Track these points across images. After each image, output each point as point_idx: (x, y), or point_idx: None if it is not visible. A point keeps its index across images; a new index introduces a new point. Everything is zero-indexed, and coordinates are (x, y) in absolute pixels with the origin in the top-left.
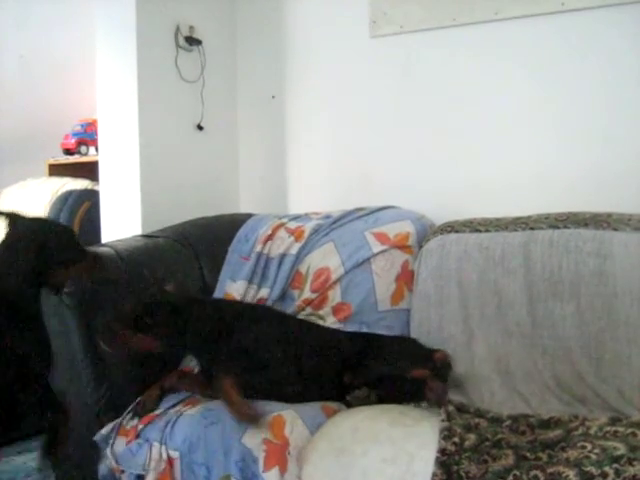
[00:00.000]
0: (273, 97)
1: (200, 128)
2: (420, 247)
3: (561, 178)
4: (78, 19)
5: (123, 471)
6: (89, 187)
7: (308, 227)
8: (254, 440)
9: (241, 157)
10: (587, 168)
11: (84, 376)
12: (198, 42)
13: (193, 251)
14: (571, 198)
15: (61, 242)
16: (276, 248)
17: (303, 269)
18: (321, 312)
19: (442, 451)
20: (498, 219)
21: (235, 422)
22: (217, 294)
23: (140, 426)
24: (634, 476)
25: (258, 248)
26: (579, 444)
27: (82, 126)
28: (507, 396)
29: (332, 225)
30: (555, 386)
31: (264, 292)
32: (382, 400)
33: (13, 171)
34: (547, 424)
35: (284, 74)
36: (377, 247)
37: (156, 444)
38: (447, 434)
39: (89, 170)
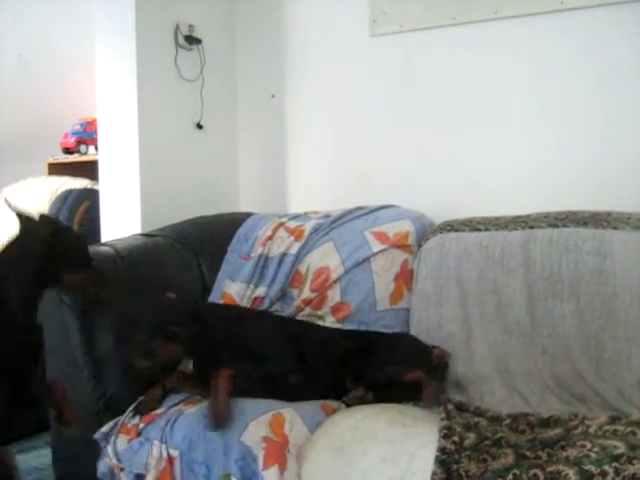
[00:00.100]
0: (273, 96)
1: (200, 127)
2: (420, 246)
3: (560, 177)
4: (78, 18)
5: (123, 469)
6: (89, 186)
7: (308, 226)
8: (254, 438)
9: (241, 156)
10: (586, 167)
11: (84, 375)
12: (198, 41)
13: (192, 250)
14: (571, 197)
15: (72, 246)
16: (276, 248)
17: (303, 269)
18: (320, 312)
19: (442, 450)
20: (498, 218)
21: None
22: (215, 293)
23: (141, 425)
24: (633, 475)
25: (259, 250)
26: (579, 443)
27: (82, 125)
28: (507, 395)
29: (332, 224)
30: (555, 385)
31: (261, 291)
32: (379, 400)
33: (13, 170)
34: (547, 423)
35: (284, 73)
36: (377, 246)
37: (156, 443)
38: (447, 433)
39: (89, 169)
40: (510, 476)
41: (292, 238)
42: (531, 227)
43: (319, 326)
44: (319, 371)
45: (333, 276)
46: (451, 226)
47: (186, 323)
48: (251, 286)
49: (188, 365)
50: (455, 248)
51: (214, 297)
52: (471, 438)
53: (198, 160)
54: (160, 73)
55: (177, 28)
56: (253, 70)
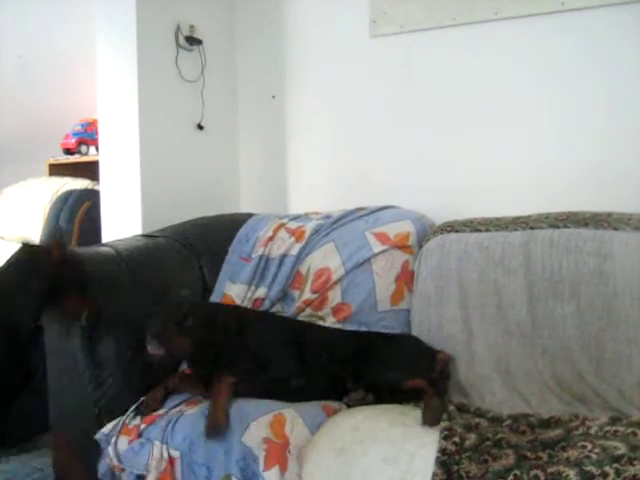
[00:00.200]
0: (273, 97)
1: (200, 128)
2: (420, 247)
3: (561, 178)
4: (78, 19)
5: (123, 470)
6: (89, 187)
7: (309, 227)
8: (254, 439)
9: (241, 157)
10: (587, 168)
11: (84, 376)
12: (198, 42)
13: (193, 251)
14: (571, 198)
15: (77, 273)
16: (277, 249)
17: (303, 269)
18: (321, 313)
19: (442, 451)
20: (498, 219)
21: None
22: (216, 294)
23: (143, 425)
24: (634, 476)
25: (260, 251)
26: (579, 444)
27: (82, 126)
28: (507, 396)
29: (332, 225)
30: (555, 386)
31: (261, 292)
32: (380, 402)
33: (13, 171)
34: (547, 424)
35: (284, 74)
36: (378, 247)
37: (157, 443)
38: (447, 434)
39: (89, 170)
40: (511, 477)
41: (293, 239)
42: (532, 228)
43: (322, 327)
44: (321, 372)
45: (334, 277)
46: (452, 227)
47: (202, 320)
48: (252, 287)
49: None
50: (456, 249)
51: (215, 298)
52: (472, 439)
53: (199, 161)
54: (161, 74)
55: (178, 29)
56: (254, 71)
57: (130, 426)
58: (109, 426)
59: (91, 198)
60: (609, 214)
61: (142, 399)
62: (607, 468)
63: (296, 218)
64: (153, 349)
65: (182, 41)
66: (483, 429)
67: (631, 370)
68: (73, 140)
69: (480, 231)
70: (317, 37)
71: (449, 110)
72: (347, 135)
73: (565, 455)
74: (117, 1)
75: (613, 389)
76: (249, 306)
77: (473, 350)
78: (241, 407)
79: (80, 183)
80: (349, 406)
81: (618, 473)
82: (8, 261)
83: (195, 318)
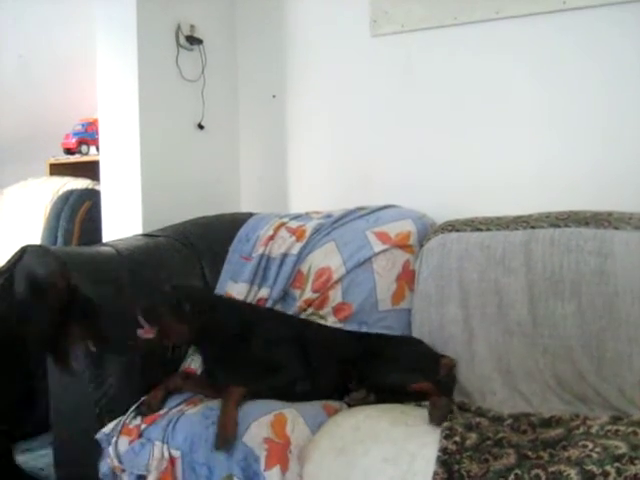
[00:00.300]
0: (274, 96)
1: (201, 127)
2: (421, 246)
3: (562, 177)
4: (78, 18)
5: (124, 470)
6: (90, 187)
7: (309, 227)
8: (255, 439)
9: (242, 156)
10: (588, 167)
11: (84, 376)
12: (199, 41)
13: (194, 250)
14: (572, 197)
15: (80, 298)
16: (277, 248)
17: (304, 269)
18: (322, 312)
19: (443, 450)
20: (499, 218)
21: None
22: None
23: (143, 425)
24: (635, 475)
25: (260, 250)
26: (580, 443)
27: (83, 126)
28: (508, 395)
29: (333, 224)
30: (556, 385)
31: (264, 292)
32: (381, 402)
33: (14, 171)
34: (548, 423)
35: (285, 73)
36: (378, 246)
37: (158, 443)
38: (448, 433)
39: (90, 170)
40: (512, 476)
41: (293, 238)
42: (532, 227)
43: (325, 327)
44: (324, 373)
45: (335, 276)
46: (452, 226)
47: (201, 307)
48: (254, 287)
49: (191, 364)
50: (456, 248)
51: None
52: (473, 438)
53: (199, 160)
54: (161, 73)
55: (178, 28)
56: (254, 70)
57: (130, 426)
58: (110, 426)
59: (92, 198)
60: (610, 213)
61: (143, 399)
62: (608, 467)
63: (297, 217)
64: (144, 330)
65: (182, 41)
66: (484, 428)
67: (632, 369)
68: (74, 140)
69: (481, 230)
70: (318, 37)
71: (450, 109)
72: (348, 134)
73: (566, 454)
74: (117, 1)
75: (614, 388)
76: None
77: (474, 350)
78: (242, 407)
79: (81, 183)
80: (350, 406)
81: (619, 472)
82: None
83: (194, 304)
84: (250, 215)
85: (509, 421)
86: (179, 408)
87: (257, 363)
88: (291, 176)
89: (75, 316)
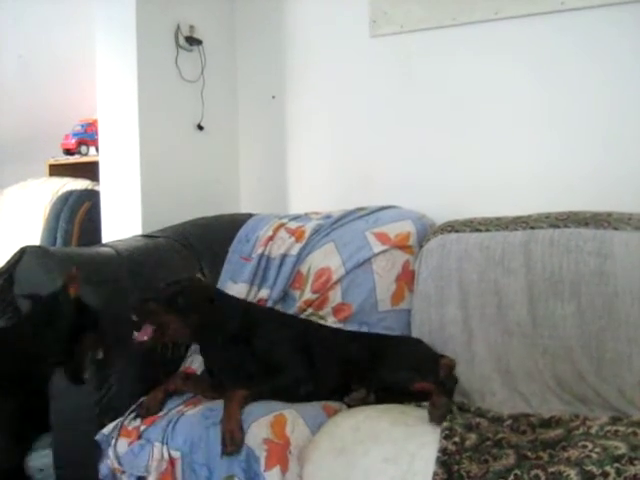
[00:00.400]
0: (273, 97)
1: (200, 128)
2: (421, 247)
3: (561, 177)
4: (78, 19)
5: (124, 471)
6: (89, 187)
7: (309, 227)
8: (255, 440)
9: (241, 157)
10: (587, 167)
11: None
12: (198, 42)
13: (193, 251)
14: (571, 197)
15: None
16: (277, 249)
17: (304, 269)
18: (321, 313)
19: (443, 451)
20: (498, 218)
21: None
22: None
23: (142, 427)
24: (635, 475)
25: (259, 250)
26: (580, 443)
27: (82, 126)
28: (508, 396)
29: (333, 225)
30: (556, 385)
31: (264, 293)
32: (381, 402)
33: (13, 171)
34: (548, 423)
35: (284, 74)
36: (378, 247)
37: (157, 444)
38: (448, 434)
39: (89, 170)
40: (511, 477)
41: (293, 239)
42: (532, 228)
43: (326, 327)
44: (326, 373)
45: (334, 277)
46: (452, 227)
47: (199, 301)
48: (254, 287)
49: (192, 364)
50: (456, 249)
51: None
52: (472, 439)
53: (199, 161)
54: (161, 74)
55: (178, 29)
56: (254, 71)
57: (129, 428)
58: (109, 427)
59: (91, 198)
60: (609, 214)
61: (141, 400)
62: (608, 468)
63: (296, 218)
64: (139, 334)
65: (182, 41)
66: (484, 429)
67: (632, 370)
68: (73, 140)
69: (480, 231)
70: (317, 37)
71: (449, 110)
72: (347, 135)
73: (566, 455)
74: (117, 1)
75: (614, 389)
76: None
77: (473, 350)
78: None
79: (80, 183)
80: (349, 406)
81: (619, 473)
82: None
83: (190, 297)
84: (250, 216)
85: (509, 422)
86: (179, 409)
87: (259, 364)
88: (290, 177)
89: (85, 327)
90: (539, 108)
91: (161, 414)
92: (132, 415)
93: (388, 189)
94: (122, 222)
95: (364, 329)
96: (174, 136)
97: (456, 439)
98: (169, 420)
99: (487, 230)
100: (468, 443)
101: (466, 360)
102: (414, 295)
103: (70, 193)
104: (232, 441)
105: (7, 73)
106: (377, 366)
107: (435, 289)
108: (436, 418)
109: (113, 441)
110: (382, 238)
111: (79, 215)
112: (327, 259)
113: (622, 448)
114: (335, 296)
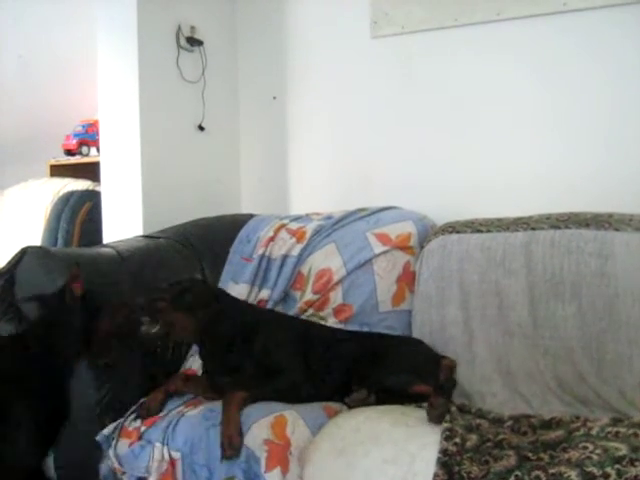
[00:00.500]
0: (274, 98)
1: (201, 129)
2: (421, 248)
3: (562, 178)
4: (78, 19)
5: (125, 472)
6: (90, 188)
7: (309, 228)
8: (256, 441)
9: (242, 158)
10: (588, 168)
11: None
12: (199, 43)
13: (194, 252)
14: (572, 198)
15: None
16: (278, 249)
17: (305, 270)
18: (322, 313)
19: (444, 452)
20: (499, 219)
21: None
22: None
23: (143, 428)
24: (636, 477)
25: (260, 251)
26: (581, 445)
27: (83, 127)
28: (508, 397)
29: (334, 226)
30: (556, 387)
31: (265, 293)
32: (381, 403)
33: (14, 172)
34: (549, 425)
35: (285, 75)
36: (379, 248)
37: (158, 445)
38: (448, 435)
39: (90, 171)
40: (512, 478)
41: (294, 239)
42: (533, 228)
43: (327, 327)
44: (327, 374)
45: (335, 278)
46: (453, 227)
47: (204, 299)
48: (255, 288)
49: (192, 365)
50: (457, 250)
51: None
52: (473, 440)
53: (200, 162)
54: (162, 74)
55: (179, 29)
56: (254, 72)
57: (130, 428)
58: (110, 427)
59: (92, 199)
60: (610, 215)
61: (142, 401)
62: (608, 469)
63: (297, 219)
64: (144, 324)
65: (183, 42)
66: (484, 430)
67: (632, 371)
68: (74, 141)
69: (481, 232)
70: (318, 38)
71: (450, 111)
72: (348, 136)
73: (566, 456)
74: (118, 2)
75: (614, 390)
76: None
77: (474, 351)
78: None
79: (81, 184)
80: (350, 407)
81: (619, 474)
82: (9, 270)
83: (196, 295)
84: (250, 216)
85: (509, 423)
86: (179, 410)
87: (258, 365)
88: (291, 177)
89: (97, 314)
90: (541, 109)
91: (161, 415)
92: (132, 416)
93: (389, 190)
94: (123, 223)
95: (365, 330)
96: (175, 137)
97: (457, 440)
98: (169, 421)
99: (488, 231)
100: (469, 444)
101: (467, 361)
102: (415, 296)
103: (71, 194)
104: (230, 445)
105: (7, 73)
106: (377, 367)
107: (436, 290)
108: (434, 418)
109: (113, 442)
110: (383, 239)
111: (80, 216)
112: (328, 260)
113: (623, 449)
114: (336, 297)
